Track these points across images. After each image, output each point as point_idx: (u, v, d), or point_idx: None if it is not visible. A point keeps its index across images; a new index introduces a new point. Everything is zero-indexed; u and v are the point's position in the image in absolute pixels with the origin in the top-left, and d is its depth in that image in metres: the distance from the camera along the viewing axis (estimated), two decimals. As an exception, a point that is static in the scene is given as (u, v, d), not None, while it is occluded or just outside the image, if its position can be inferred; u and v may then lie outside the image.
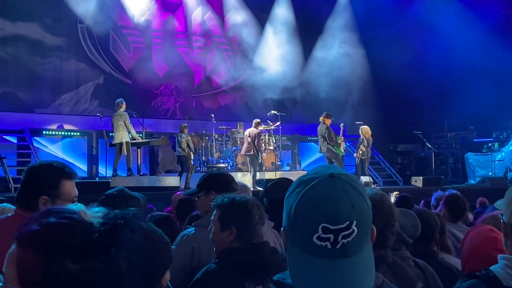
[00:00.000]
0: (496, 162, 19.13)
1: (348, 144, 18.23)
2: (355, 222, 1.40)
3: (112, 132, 14.56)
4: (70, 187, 2.85)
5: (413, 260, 3.22)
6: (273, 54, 21.40)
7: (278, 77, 20.65)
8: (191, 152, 15.16)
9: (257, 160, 15.07)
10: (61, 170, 2.86)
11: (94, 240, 1.27)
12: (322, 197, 1.41)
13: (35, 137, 16.50)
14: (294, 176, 4.07)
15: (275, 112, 16.96)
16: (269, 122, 17.08)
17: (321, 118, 14.85)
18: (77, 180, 2.98)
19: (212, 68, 21.47)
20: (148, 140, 14.99)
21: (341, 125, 15.74)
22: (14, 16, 17.39)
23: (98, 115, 15.46)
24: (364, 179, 15.78)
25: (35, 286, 1.23)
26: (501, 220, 2.22)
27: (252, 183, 14.09)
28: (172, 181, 14.37)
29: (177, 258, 3.56)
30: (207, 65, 21.44)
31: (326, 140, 14.53)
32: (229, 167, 16.58)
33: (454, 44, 19.90)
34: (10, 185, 13.36)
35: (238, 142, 16.96)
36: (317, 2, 22.30)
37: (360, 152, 15.64)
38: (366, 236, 1.46)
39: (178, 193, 7.92)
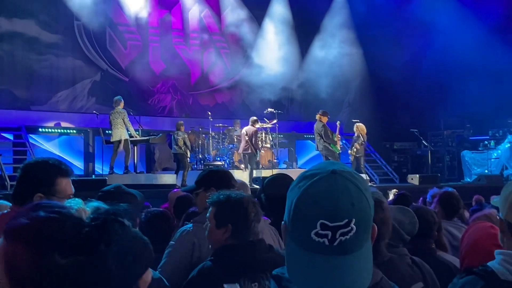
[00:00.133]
0: (492, 160, 19.19)
1: (344, 141, 18.25)
2: (354, 220, 1.39)
3: (109, 129, 14.54)
4: (66, 185, 2.84)
5: (410, 257, 3.22)
6: (270, 52, 21.38)
7: (275, 75, 20.63)
8: (188, 150, 15.17)
9: (255, 158, 15.09)
10: (57, 168, 2.85)
11: (84, 235, 1.26)
12: (322, 193, 1.41)
13: (31, 135, 16.47)
14: (291, 174, 4.10)
15: (272, 110, 16.96)
16: (265, 120, 17.08)
17: (317, 116, 14.85)
18: (74, 178, 2.97)
19: (209, 66, 21.45)
20: (147, 137, 14.99)
21: (338, 123, 15.75)
22: (10, 13, 17.33)
23: (95, 113, 15.44)
24: (361, 177, 15.78)
25: (24, 281, 1.22)
26: (497, 217, 2.24)
27: (249, 181, 14.10)
28: (168, 178, 14.39)
29: (177, 253, 3.57)
30: (204, 63, 21.42)
31: (323, 138, 14.54)
32: (225, 165, 16.58)
33: (451, 42, 19.92)
34: (6, 183, 13.34)
35: (235, 140, 16.95)
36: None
37: (355, 150, 15.65)
38: (366, 235, 1.45)
39: (175, 190, 7.92)
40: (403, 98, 20.68)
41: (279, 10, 21.95)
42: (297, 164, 19.58)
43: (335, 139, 14.79)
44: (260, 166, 16.33)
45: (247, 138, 14.88)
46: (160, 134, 15.29)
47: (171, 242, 3.70)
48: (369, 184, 15.33)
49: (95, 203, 2.61)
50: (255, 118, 15.42)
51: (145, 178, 14.16)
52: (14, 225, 1.28)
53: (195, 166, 16.51)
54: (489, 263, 2.10)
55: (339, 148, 15.08)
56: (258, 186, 13.44)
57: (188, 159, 15.30)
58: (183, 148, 14.90)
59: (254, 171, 15.12)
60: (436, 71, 20.46)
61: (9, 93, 17.32)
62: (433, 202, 5.22)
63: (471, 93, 18.29)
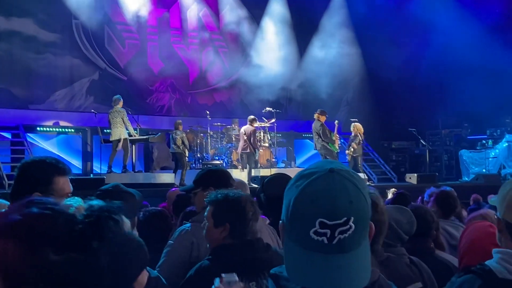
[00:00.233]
0: (490, 159, 19.22)
1: (342, 141, 18.26)
2: (352, 218, 1.40)
3: (107, 128, 14.53)
4: (63, 183, 2.84)
5: (408, 257, 3.22)
6: (269, 51, 21.38)
7: (273, 74, 20.62)
8: (186, 149, 15.17)
9: (253, 157, 15.09)
10: (55, 166, 2.85)
11: (77, 232, 1.25)
12: (321, 192, 1.42)
13: (29, 134, 16.46)
14: (289, 173, 4.11)
15: (270, 109, 16.96)
16: (264, 119, 17.08)
17: (315, 115, 14.86)
18: (72, 177, 2.97)
19: (207, 65, 21.43)
20: (147, 136, 14.99)
21: (336, 122, 15.76)
22: (8, 12, 17.31)
23: (93, 112, 15.43)
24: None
25: (16, 277, 1.21)
26: (495, 216, 2.24)
27: (248, 180, 14.10)
28: (167, 177, 14.38)
29: (175, 252, 3.58)
30: (203, 62, 21.40)
31: (321, 137, 14.55)
32: (224, 164, 16.58)
33: (449, 42, 19.93)
34: (4, 182, 13.35)
35: (233, 139, 16.95)
36: (312, -2, 22.32)
37: (352, 149, 15.66)
38: (364, 233, 1.47)
39: (174, 189, 7.92)
40: (401, 97, 20.69)
41: (277, 9, 21.95)
42: (295, 163, 19.60)
43: (334, 138, 14.79)
44: (259, 165, 16.33)
45: (245, 138, 14.88)
46: (159, 133, 15.29)
47: (169, 241, 3.71)
48: (367, 183, 15.34)
49: (94, 202, 2.61)
50: (252, 117, 15.41)
51: (143, 177, 14.15)
52: (6, 221, 1.26)
53: (194, 165, 16.51)
54: (487, 262, 2.11)
55: (338, 147, 15.08)
56: (256, 185, 13.45)
57: (187, 158, 15.30)
58: (181, 147, 14.90)
59: (253, 170, 15.12)
60: (434, 70, 20.47)
61: (7, 92, 17.28)
62: (430, 201, 5.22)
63: (469, 92, 18.31)
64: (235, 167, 16.24)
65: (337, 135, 15.20)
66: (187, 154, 15.31)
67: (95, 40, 19.05)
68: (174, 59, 20.22)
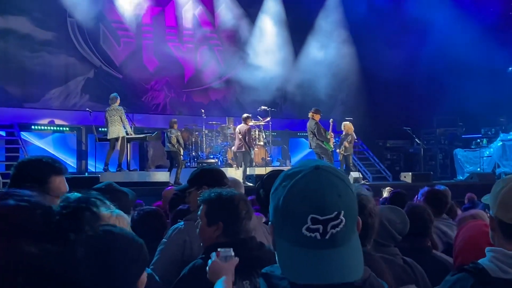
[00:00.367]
0: (485, 158, 19.25)
1: (337, 139, 18.26)
2: (343, 212, 1.43)
3: (102, 127, 14.49)
4: (59, 183, 2.84)
5: (402, 257, 3.23)
6: (264, 50, 21.38)
7: (268, 73, 20.63)
8: (181, 148, 15.16)
9: (249, 156, 15.08)
10: (51, 166, 2.85)
11: (54, 224, 1.25)
12: (309, 189, 1.44)
13: (24, 132, 16.43)
14: (283, 171, 4.11)
15: (265, 107, 16.97)
16: (259, 117, 17.09)
17: (310, 114, 14.84)
18: (66, 176, 2.97)
19: (202, 63, 21.42)
20: (144, 135, 14.97)
21: (330, 120, 15.76)
22: (3, 10, 17.27)
23: (88, 110, 15.39)
24: (354, 174, 15.81)
25: None
26: (488, 215, 2.26)
27: (243, 179, 14.10)
28: (161, 176, 14.36)
29: (168, 250, 3.58)
30: (198, 60, 21.38)
31: (316, 136, 14.54)
32: (219, 163, 16.58)
33: (444, 41, 19.99)
34: (-2, 180, 13.30)
35: (228, 138, 16.96)
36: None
37: (343, 148, 15.67)
38: (353, 227, 1.50)
39: (169, 188, 7.93)
40: (396, 96, 20.72)
41: (273, 7, 21.95)
42: (290, 162, 19.58)
43: (328, 136, 14.79)
44: (254, 164, 16.33)
45: (240, 137, 14.88)
46: (156, 132, 15.27)
47: (163, 239, 3.72)
48: (362, 182, 15.37)
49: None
50: (246, 115, 15.37)
51: (138, 176, 14.12)
52: None
53: (189, 164, 16.51)
54: (480, 261, 2.12)
55: (332, 146, 15.09)
56: (251, 184, 13.46)
57: (182, 156, 15.28)
58: (176, 146, 14.89)
59: (248, 169, 15.12)
60: (429, 69, 20.50)
61: (2, 90, 17.25)
62: (421, 200, 5.22)
63: (464, 91, 18.37)
64: (230, 165, 16.25)
65: (332, 134, 15.20)
66: (182, 153, 15.29)
67: (90, 39, 19.03)
68: (170, 58, 20.20)
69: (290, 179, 1.48)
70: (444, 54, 19.62)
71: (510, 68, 20.48)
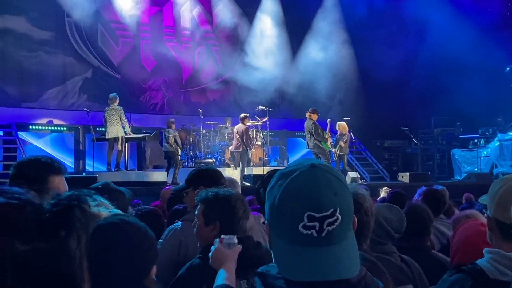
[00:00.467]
0: (482, 158, 19.27)
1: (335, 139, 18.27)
2: (339, 209, 1.44)
3: (100, 127, 14.47)
4: (59, 182, 2.84)
5: (399, 255, 3.23)
6: (262, 49, 21.39)
7: (266, 73, 20.62)
8: (179, 148, 15.15)
9: (246, 156, 15.08)
10: (50, 165, 2.85)
11: (44, 221, 1.25)
12: (305, 187, 1.45)
13: (22, 132, 16.41)
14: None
15: (263, 107, 16.97)
16: (257, 117, 17.09)
17: (307, 114, 14.83)
18: (65, 175, 2.97)
19: (200, 63, 21.42)
20: (143, 135, 14.97)
21: (328, 120, 15.76)
22: (1, 10, 17.23)
23: (85, 110, 15.38)
24: (351, 174, 15.83)
25: None
26: (485, 215, 2.26)
27: (240, 178, 14.10)
28: (159, 176, 14.36)
29: (165, 251, 3.59)
30: (196, 60, 21.38)
31: (313, 136, 14.54)
32: (216, 163, 16.58)
33: (442, 41, 19.99)
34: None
35: (226, 138, 16.96)
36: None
37: (339, 148, 15.67)
38: (349, 224, 1.50)
39: (167, 187, 7.94)
40: (393, 96, 20.72)
41: (270, 7, 21.95)
42: (288, 162, 19.58)
43: (326, 136, 14.79)
44: (251, 164, 16.34)
45: (237, 136, 14.88)
46: (155, 132, 15.28)
47: (160, 240, 3.72)
48: (360, 182, 15.38)
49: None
50: (244, 115, 15.36)
51: (136, 176, 14.12)
52: None
53: (186, 164, 16.50)
54: (478, 261, 2.12)
55: (330, 146, 15.09)
56: (249, 184, 13.46)
57: (179, 156, 15.28)
58: (173, 145, 14.88)
59: (245, 169, 15.12)
60: (427, 69, 20.50)
61: (-1, 90, 17.26)
62: (419, 200, 5.22)
63: (462, 91, 18.39)
64: (228, 165, 16.25)
65: (330, 134, 15.20)
66: (179, 153, 15.29)
67: (88, 38, 19.01)
68: (167, 58, 20.20)
69: (286, 177, 1.49)
70: (441, 54, 19.62)
71: (508, 69, 20.49)
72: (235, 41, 21.76)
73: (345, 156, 16.01)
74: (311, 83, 21.14)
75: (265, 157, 17.20)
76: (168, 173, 14.76)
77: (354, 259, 1.49)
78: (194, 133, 17.18)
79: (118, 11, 19.40)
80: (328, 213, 1.42)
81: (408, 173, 16.65)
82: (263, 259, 2.70)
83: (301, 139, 19.81)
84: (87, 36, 18.97)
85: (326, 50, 21.56)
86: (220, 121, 17.81)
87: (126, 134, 14.13)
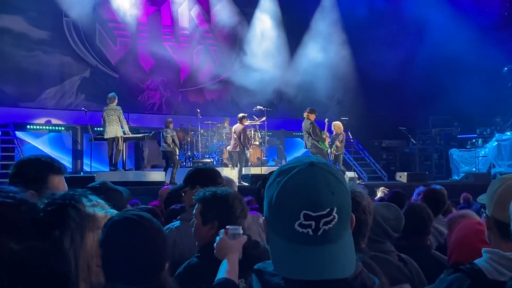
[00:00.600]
0: (480, 158, 19.29)
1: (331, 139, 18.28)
2: (335, 208, 1.43)
3: (98, 126, 14.45)
4: (58, 182, 2.84)
5: (397, 254, 3.24)
6: (259, 49, 21.38)
7: (264, 73, 20.60)
8: (176, 147, 15.15)
9: (244, 156, 15.08)
10: (50, 165, 2.85)
11: (39, 220, 1.25)
12: (303, 185, 1.45)
13: (19, 131, 16.39)
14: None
15: (261, 107, 16.95)
16: (254, 117, 17.09)
17: (305, 114, 14.82)
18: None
19: (198, 63, 21.41)
20: (142, 135, 14.96)
21: (326, 120, 15.75)
22: (-1, 9, 17.26)
23: (83, 110, 15.36)
24: (349, 174, 15.83)
25: None
26: (484, 214, 2.27)
27: (238, 178, 14.11)
28: (157, 176, 14.37)
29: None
30: (194, 60, 21.38)
31: (311, 136, 14.54)
32: (214, 162, 16.58)
33: (439, 41, 20.01)
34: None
35: (224, 137, 16.96)
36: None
37: (335, 147, 15.68)
38: (346, 223, 1.50)
39: (166, 187, 7.94)
40: (391, 96, 20.72)
41: (269, 7, 21.94)
42: (286, 161, 19.54)
43: (324, 136, 14.79)
44: (249, 163, 16.34)
45: (235, 136, 14.89)
46: (154, 132, 15.28)
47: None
48: (357, 181, 15.39)
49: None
50: (242, 114, 15.37)
51: (133, 175, 14.12)
52: None
53: (184, 164, 16.50)
54: (476, 261, 2.11)
55: (328, 146, 15.09)
56: (247, 184, 13.47)
57: (177, 156, 15.27)
58: (171, 145, 14.87)
59: (243, 169, 15.12)
60: (424, 69, 20.50)
61: (-3, 90, 17.23)
62: (418, 199, 5.22)
63: (459, 91, 18.41)
64: (226, 165, 16.25)
65: (327, 133, 15.21)
66: (177, 153, 15.28)
67: (86, 38, 19.00)
68: (165, 57, 20.19)
69: (284, 174, 1.49)
70: (439, 55, 19.64)
71: (506, 68, 20.51)
72: (233, 41, 21.75)
73: (341, 156, 16.02)
74: (309, 83, 21.13)
75: (263, 157, 17.20)
76: (166, 173, 14.75)
77: (350, 258, 1.49)
78: (192, 133, 17.18)
79: (116, 11, 19.40)
80: (325, 212, 1.42)
81: (406, 173, 16.67)
82: (261, 258, 2.69)
83: (299, 139, 19.82)
84: (85, 36, 18.96)
85: (324, 50, 21.55)
86: (218, 121, 17.82)
87: (125, 134, 14.12)
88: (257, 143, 17.12)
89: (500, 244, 2.15)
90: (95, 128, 15.22)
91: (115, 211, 2.26)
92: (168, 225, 3.78)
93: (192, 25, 21.42)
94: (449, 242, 3.30)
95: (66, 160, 17.05)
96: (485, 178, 16.26)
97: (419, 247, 3.81)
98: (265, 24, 21.92)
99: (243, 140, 14.85)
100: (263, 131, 17.54)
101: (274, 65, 21.06)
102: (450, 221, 4.04)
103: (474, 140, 20.22)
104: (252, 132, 16.91)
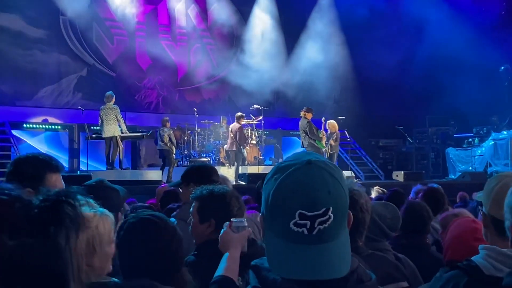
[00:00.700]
0: (477, 157, 19.31)
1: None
2: (331, 208, 1.42)
3: (95, 125, 14.42)
4: (55, 180, 2.84)
5: (393, 253, 3.24)
6: (257, 48, 21.37)
7: (261, 72, 20.59)
8: (173, 146, 15.15)
9: (240, 155, 15.08)
10: (47, 163, 2.85)
11: (33, 217, 1.25)
12: (299, 184, 1.43)
13: (16, 130, 16.37)
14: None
15: (258, 106, 16.93)
16: (251, 116, 17.08)
17: (302, 113, 14.81)
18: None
19: (195, 62, 21.39)
20: (141, 134, 14.94)
21: (323, 119, 15.76)
22: (-5, 7, 17.21)
23: (80, 108, 15.34)
24: (346, 173, 15.81)
25: None
26: (481, 212, 2.27)
27: (235, 177, 14.11)
28: (154, 175, 14.35)
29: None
30: (191, 59, 21.36)
31: (308, 135, 14.54)
32: (211, 161, 16.57)
33: (436, 41, 20.04)
34: (-11, 178, 13.23)
35: (221, 136, 16.95)
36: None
37: (329, 146, 15.68)
38: (343, 223, 1.49)
39: (163, 185, 7.93)
40: (388, 95, 20.73)
41: (266, 6, 21.92)
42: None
43: (320, 135, 14.79)
44: (246, 162, 16.34)
45: (232, 135, 14.89)
46: (151, 131, 15.27)
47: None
48: (355, 180, 15.39)
49: None
50: (239, 114, 15.39)
51: (130, 174, 14.11)
52: None
53: (181, 163, 16.49)
54: (473, 258, 2.11)
55: (325, 145, 15.10)
56: (244, 183, 13.47)
57: (174, 155, 15.27)
58: (168, 144, 14.87)
59: (240, 168, 15.12)
60: (421, 69, 20.52)
61: (-7, 88, 17.20)
62: (418, 198, 5.22)
63: (456, 90, 18.44)
64: (223, 164, 16.25)
65: (324, 133, 15.20)
66: (174, 151, 15.29)
67: (83, 36, 18.96)
68: (162, 56, 20.15)
69: (282, 172, 1.47)
70: (436, 54, 19.67)
71: (502, 68, 20.54)
72: (230, 40, 21.75)
73: (335, 155, 16.03)
74: (306, 82, 21.13)
75: (260, 156, 17.20)
76: (162, 172, 14.75)
77: (345, 258, 1.47)
78: (189, 131, 17.17)
79: (113, 9, 19.37)
80: (320, 212, 1.41)
81: (402, 172, 16.71)
82: (258, 256, 2.70)
83: (296, 138, 19.80)
84: (82, 34, 18.92)
85: (321, 49, 21.55)
86: (215, 120, 17.81)
87: (122, 133, 14.10)
88: (254, 142, 17.12)
89: (496, 242, 2.15)
90: (92, 127, 15.20)
91: (105, 211, 2.24)
92: None
93: (189, 24, 21.40)
94: (444, 241, 3.31)
95: (62, 159, 17.02)
96: (482, 177, 16.27)
97: (419, 246, 3.82)
98: (262, 23, 21.91)
99: (239, 139, 14.85)
100: (260, 130, 17.52)
101: (271, 64, 21.05)
102: (444, 220, 4.05)
103: (470, 139, 20.27)
104: (249, 131, 16.90)
